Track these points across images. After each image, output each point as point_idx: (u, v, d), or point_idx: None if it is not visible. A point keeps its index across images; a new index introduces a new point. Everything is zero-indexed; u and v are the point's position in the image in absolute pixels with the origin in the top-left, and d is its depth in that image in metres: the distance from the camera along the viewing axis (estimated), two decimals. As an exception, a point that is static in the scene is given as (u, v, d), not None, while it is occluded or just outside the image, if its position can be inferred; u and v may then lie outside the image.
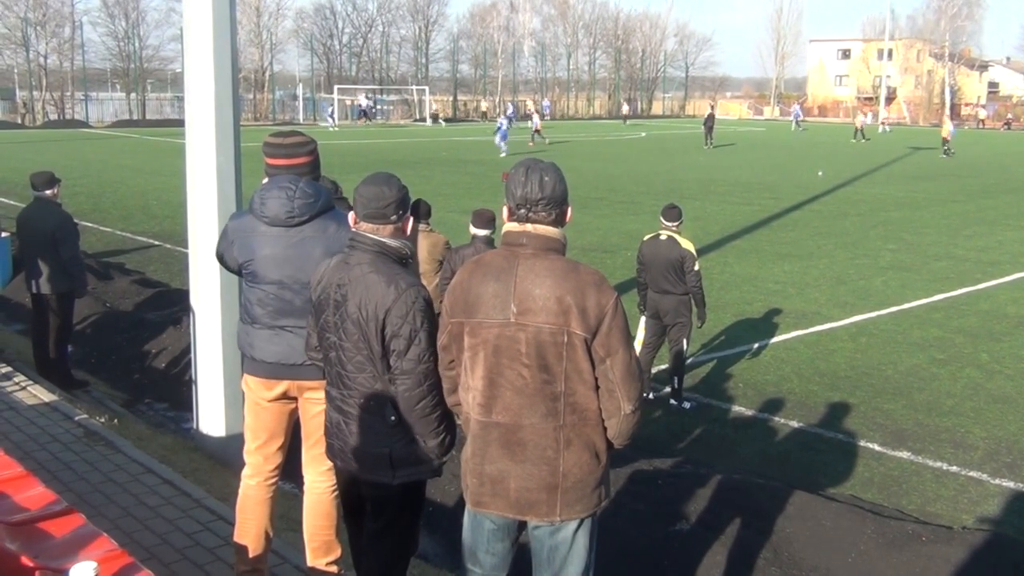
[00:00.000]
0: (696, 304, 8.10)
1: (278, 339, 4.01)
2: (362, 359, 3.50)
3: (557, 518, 3.14)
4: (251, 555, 4.17)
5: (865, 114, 56.55)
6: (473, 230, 7.34)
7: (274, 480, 4.22)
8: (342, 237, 3.83)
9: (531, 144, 39.13)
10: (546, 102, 72.00)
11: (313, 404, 4.05)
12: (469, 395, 3.21)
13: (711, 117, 43.32)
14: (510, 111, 53.59)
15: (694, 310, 8.15)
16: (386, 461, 3.54)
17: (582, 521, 3.19)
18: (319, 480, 4.10)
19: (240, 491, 4.21)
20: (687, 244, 8.01)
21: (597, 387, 3.10)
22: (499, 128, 37.46)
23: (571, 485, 3.11)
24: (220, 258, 4.25)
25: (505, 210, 3.20)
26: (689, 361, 9.34)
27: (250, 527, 4.17)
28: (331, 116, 57.22)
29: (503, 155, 34.16)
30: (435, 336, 3.39)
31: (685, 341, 8.20)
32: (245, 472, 4.21)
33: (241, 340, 4.15)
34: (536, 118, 43.40)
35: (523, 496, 3.13)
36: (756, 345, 9.99)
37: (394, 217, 3.50)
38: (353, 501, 3.86)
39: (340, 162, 28.03)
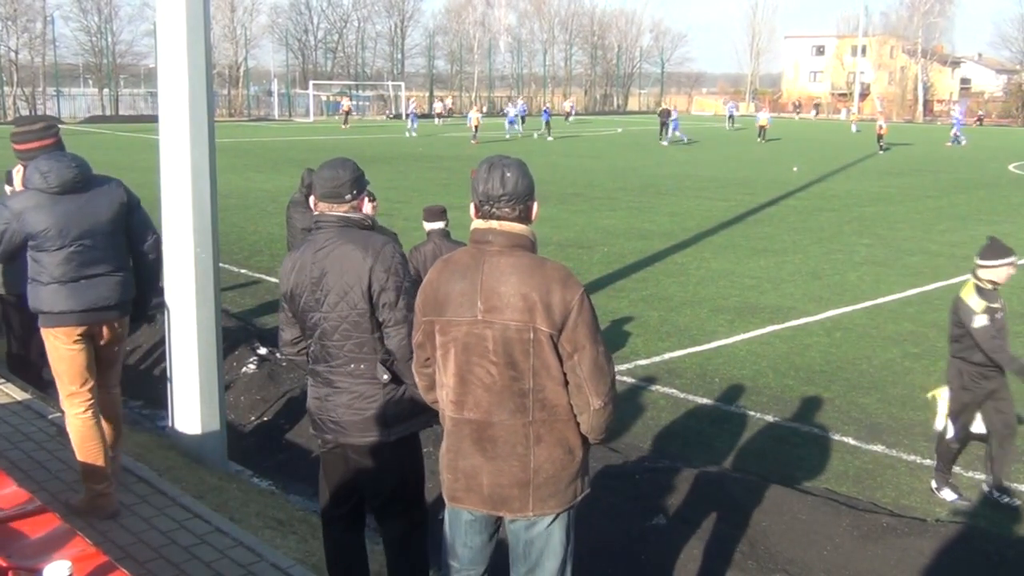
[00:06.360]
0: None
1: (90, 287, 4.60)
2: (348, 327, 3.63)
3: (530, 513, 3.16)
4: (104, 472, 4.71)
5: (843, 108, 56.64)
6: (427, 226, 7.34)
7: (95, 403, 4.76)
8: (115, 189, 4.73)
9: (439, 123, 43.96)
10: (569, 102, 66.11)
11: (114, 341, 4.82)
12: (443, 392, 3.25)
13: (666, 112, 43.48)
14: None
15: (965, 377, 6.10)
16: (380, 421, 3.68)
17: (557, 515, 3.20)
18: (79, 411, 4.68)
19: (76, 426, 4.68)
20: (967, 291, 6.02)
21: (567, 383, 3.10)
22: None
23: (543, 481, 3.13)
24: None
25: (472, 207, 3.21)
26: (667, 356, 9.37)
27: (96, 449, 4.69)
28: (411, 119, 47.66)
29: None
30: (416, 288, 3.50)
31: (946, 417, 6.31)
32: (76, 411, 4.68)
33: (40, 301, 4.59)
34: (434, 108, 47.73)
35: (496, 492, 3.15)
36: (732, 340, 10.04)
37: (349, 196, 3.72)
38: (351, 505, 3.96)
39: (316, 157, 27.85)
